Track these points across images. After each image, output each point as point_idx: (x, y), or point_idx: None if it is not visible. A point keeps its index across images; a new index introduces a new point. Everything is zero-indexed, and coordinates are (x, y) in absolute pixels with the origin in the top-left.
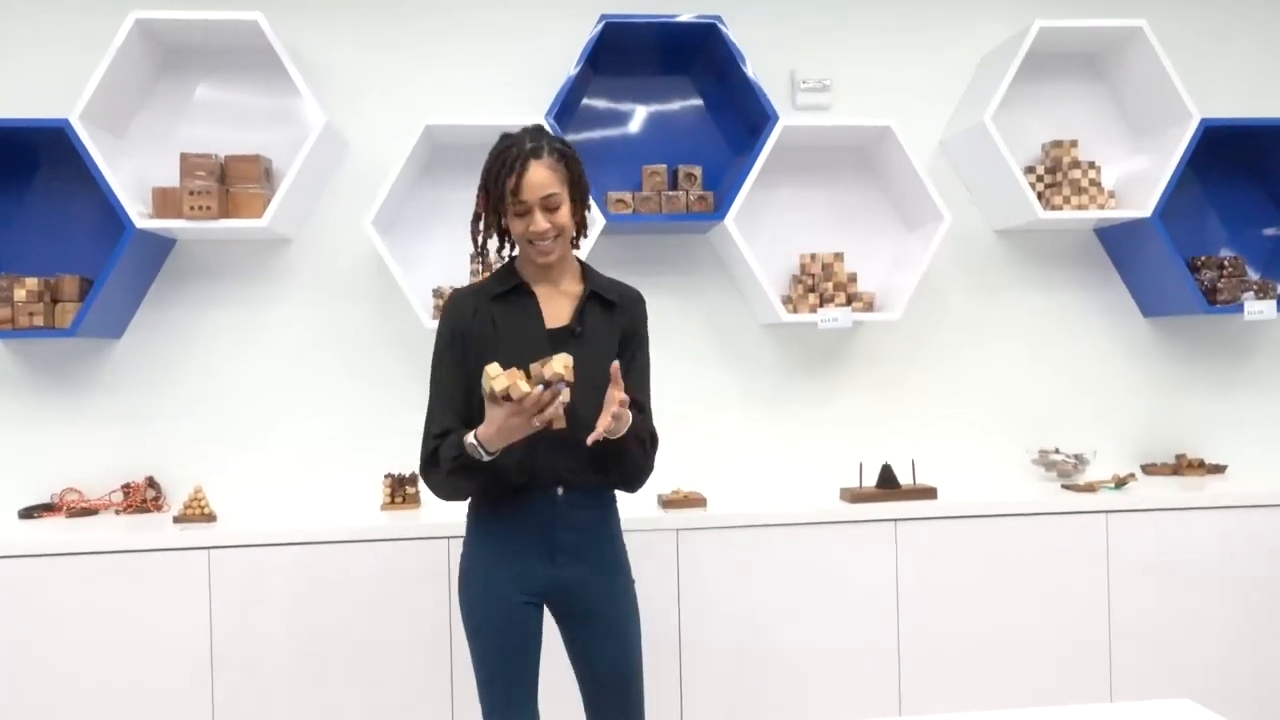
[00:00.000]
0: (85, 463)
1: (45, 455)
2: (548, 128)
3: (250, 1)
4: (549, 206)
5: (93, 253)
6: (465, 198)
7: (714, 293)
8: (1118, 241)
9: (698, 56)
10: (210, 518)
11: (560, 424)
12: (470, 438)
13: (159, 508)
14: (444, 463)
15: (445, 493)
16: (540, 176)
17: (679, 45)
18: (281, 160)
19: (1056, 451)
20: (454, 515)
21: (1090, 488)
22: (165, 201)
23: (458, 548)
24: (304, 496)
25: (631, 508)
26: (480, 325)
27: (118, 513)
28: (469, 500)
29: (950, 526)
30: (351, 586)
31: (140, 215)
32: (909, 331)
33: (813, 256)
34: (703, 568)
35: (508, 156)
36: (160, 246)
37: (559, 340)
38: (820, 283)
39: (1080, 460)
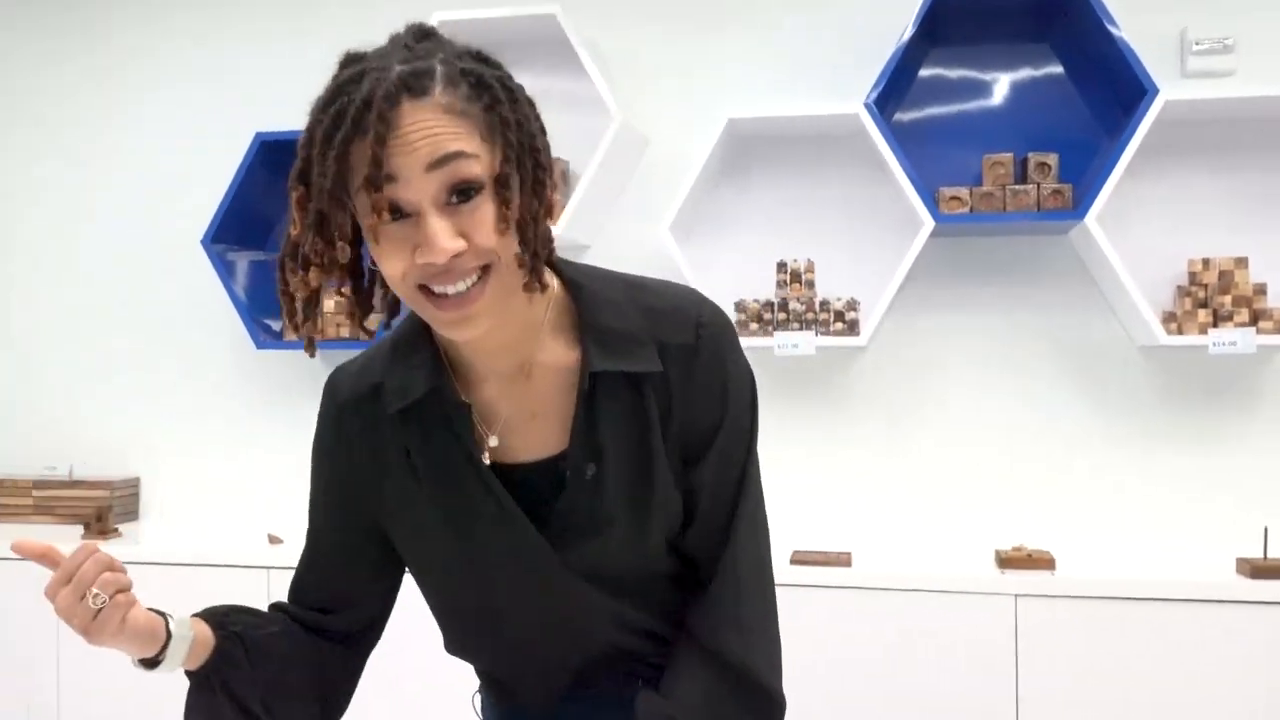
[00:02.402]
0: None
1: None
2: (438, 31)
3: None
4: (460, 185)
5: None
6: (770, 198)
7: (1073, 307)
8: None
9: (1058, 17)
10: None
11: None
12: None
13: None
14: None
15: None
16: (425, 124)
17: (1034, 4)
18: (578, 160)
19: None
20: None
21: None
22: None
23: None
24: None
25: (959, 563)
26: (378, 471)
27: None
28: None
29: None
30: None
31: None
32: None
33: (1205, 262)
34: (1049, 645)
35: (349, 99)
36: None
37: (546, 487)
38: (1214, 295)
39: None
